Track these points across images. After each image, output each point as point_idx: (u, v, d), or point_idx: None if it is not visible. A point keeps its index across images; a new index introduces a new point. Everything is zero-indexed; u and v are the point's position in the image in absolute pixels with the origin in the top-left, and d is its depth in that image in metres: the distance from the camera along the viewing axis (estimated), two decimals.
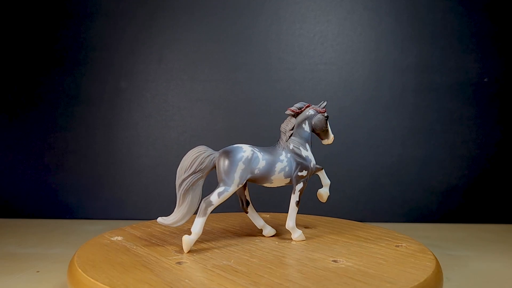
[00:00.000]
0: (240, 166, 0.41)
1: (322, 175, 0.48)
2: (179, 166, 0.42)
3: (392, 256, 0.39)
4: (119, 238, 0.46)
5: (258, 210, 0.48)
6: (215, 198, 0.41)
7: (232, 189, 0.41)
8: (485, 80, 0.77)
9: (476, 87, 0.77)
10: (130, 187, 0.79)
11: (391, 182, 0.78)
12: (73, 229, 0.71)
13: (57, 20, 0.79)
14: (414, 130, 0.78)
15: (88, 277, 0.34)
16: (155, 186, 0.79)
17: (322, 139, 0.47)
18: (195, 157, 0.42)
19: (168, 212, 0.43)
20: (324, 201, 0.48)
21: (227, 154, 0.42)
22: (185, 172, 0.41)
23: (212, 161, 0.42)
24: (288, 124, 0.45)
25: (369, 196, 0.78)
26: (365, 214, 0.77)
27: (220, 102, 0.79)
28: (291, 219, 0.44)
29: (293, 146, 0.44)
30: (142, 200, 0.79)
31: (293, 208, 0.44)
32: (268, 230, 0.47)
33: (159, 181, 0.79)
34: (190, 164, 0.42)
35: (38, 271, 0.49)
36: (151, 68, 0.79)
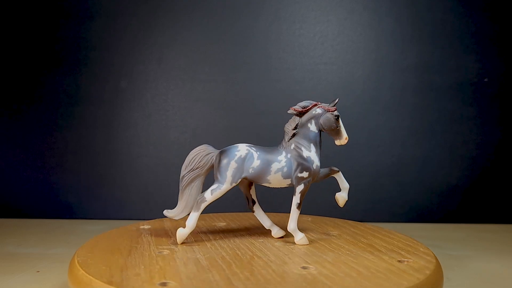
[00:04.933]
0: (233, 165, 0.42)
1: (340, 178, 0.46)
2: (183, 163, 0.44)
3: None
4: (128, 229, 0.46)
5: (265, 210, 0.48)
6: (208, 195, 0.42)
7: (225, 187, 0.42)
8: (485, 80, 0.77)
9: (476, 87, 0.77)
10: (130, 187, 0.79)
11: (391, 182, 0.78)
12: (73, 229, 0.71)
13: (57, 20, 0.79)
14: (414, 130, 0.78)
15: (89, 276, 0.34)
16: (155, 186, 0.79)
17: (335, 140, 0.45)
18: (195, 155, 0.44)
19: None
20: (341, 206, 0.46)
21: (222, 153, 0.43)
22: (185, 169, 0.44)
23: (210, 160, 0.43)
24: (291, 123, 0.44)
25: (369, 196, 0.78)
26: (365, 214, 0.77)
27: (220, 102, 0.79)
28: (292, 221, 0.43)
29: (295, 146, 0.43)
30: (142, 200, 0.79)
31: (294, 210, 0.43)
32: (276, 231, 0.46)
33: (159, 181, 0.79)
34: (190, 161, 0.44)
35: (38, 271, 0.49)
36: (151, 68, 0.79)
